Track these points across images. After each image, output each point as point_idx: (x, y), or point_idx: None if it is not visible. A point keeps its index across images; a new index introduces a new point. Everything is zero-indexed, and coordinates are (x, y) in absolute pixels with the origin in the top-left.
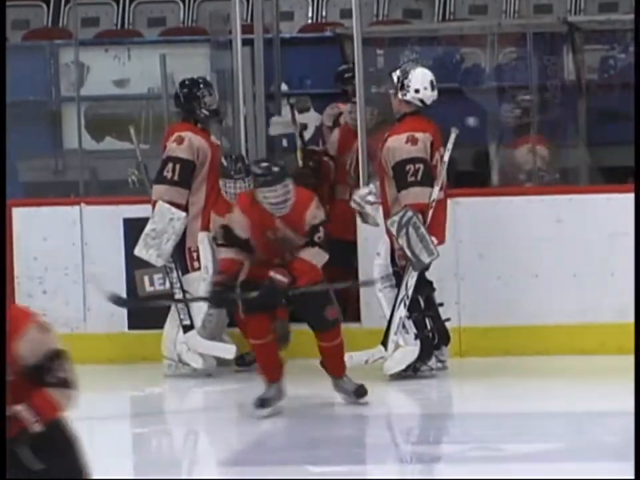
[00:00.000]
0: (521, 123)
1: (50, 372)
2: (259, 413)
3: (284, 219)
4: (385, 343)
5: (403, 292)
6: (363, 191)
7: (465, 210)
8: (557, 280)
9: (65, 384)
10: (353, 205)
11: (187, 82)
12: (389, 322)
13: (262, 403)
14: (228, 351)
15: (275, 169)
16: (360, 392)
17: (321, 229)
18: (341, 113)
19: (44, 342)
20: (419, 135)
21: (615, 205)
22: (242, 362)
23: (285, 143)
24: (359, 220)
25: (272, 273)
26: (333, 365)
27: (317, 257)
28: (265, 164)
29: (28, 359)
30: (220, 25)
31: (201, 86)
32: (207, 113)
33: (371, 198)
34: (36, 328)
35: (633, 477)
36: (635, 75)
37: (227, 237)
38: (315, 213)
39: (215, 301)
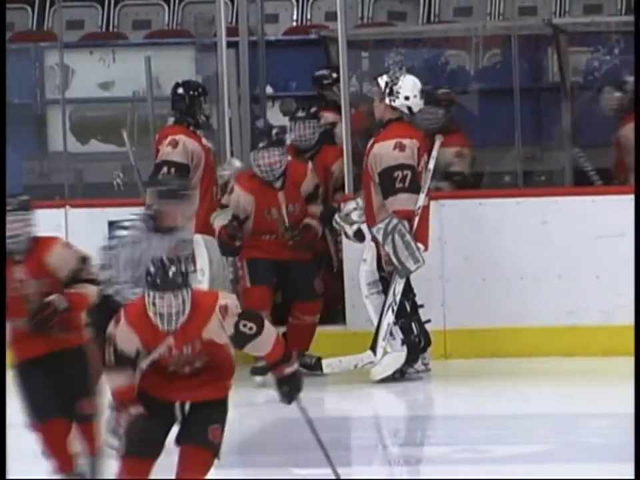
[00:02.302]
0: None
1: (82, 271)
2: None
3: (176, 334)
4: (373, 349)
5: (390, 298)
6: (348, 206)
7: (450, 212)
8: (542, 282)
9: (94, 281)
10: (335, 225)
11: (193, 83)
12: (377, 328)
13: None
14: None
15: (172, 272)
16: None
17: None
18: (332, 123)
19: (71, 253)
20: (406, 141)
21: (600, 207)
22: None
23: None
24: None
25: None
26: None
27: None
28: (160, 264)
29: (61, 271)
30: (205, 27)
31: (201, 90)
32: (204, 118)
33: (354, 216)
34: (60, 244)
35: (631, 478)
36: (634, 75)
37: (116, 357)
38: (221, 329)
39: None
